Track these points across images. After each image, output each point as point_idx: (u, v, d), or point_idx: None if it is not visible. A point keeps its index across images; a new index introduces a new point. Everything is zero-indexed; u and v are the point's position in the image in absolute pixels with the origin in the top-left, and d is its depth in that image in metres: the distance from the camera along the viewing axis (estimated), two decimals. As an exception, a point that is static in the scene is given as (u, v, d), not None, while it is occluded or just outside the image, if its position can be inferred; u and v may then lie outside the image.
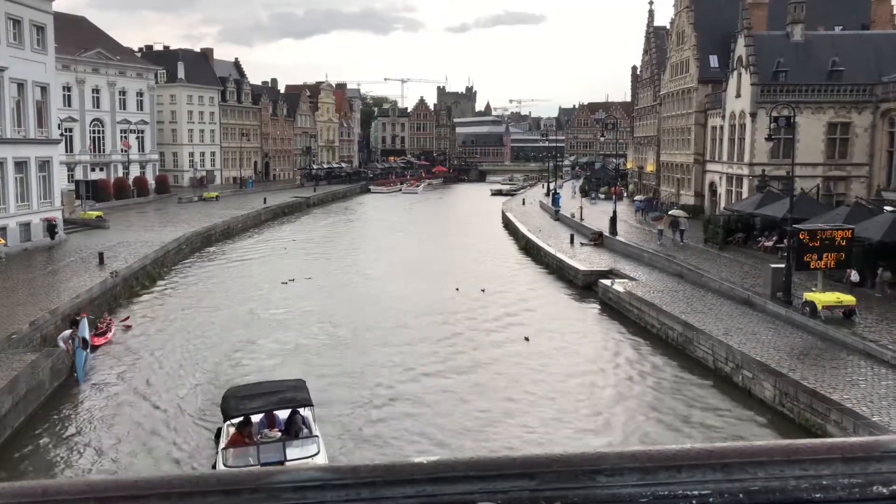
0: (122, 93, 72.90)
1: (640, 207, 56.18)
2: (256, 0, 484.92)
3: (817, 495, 0.98)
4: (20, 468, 16.31)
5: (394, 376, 22.44)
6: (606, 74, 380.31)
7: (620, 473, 0.99)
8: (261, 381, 18.92)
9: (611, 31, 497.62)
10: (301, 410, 16.14)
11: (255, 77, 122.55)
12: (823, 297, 23.98)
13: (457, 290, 34.68)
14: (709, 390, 21.21)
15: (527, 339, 26.40)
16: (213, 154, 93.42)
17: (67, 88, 65.71)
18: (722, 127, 48.35)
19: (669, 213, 45.47)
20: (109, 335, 25.74)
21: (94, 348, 24.12)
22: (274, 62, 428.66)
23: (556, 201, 62.79)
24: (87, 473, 15.89)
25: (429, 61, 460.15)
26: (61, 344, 22.01)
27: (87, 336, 23.17)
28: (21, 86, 38.51)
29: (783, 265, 26.71)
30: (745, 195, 43.50)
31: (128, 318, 29.28)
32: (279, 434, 15.51)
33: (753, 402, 19.81)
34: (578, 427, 18.85)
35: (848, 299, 23.93)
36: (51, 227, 40.35)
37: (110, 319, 27.38)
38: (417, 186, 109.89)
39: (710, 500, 0.97)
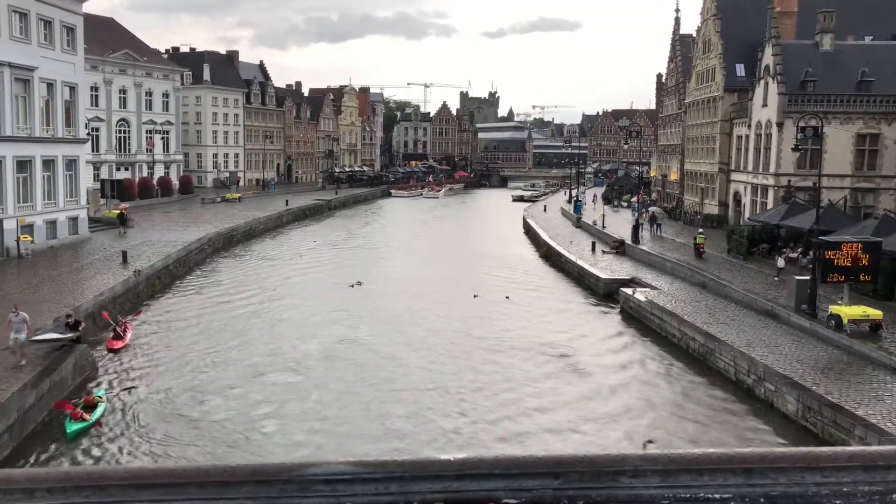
0: (149, 93, 73.78)
1: (636, 207, 56.62)
2: (291, 4, 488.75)
3: (837, 502, 0.99)
4: (42, 464, 16.45)
5: (421, 384, 22.41)
6: (631, 82, 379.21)
7: (643, 475, 1.00)
8: None
9: (637, 38, 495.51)
10: None
11: (289, 80, 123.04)
12: (849, 311, 23.61)
13: (475, 296, 34.60)
14: (730, 402, 20.94)
15: (563, 355, 25.30)
16: (236, 156, 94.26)
17: (95, 88, 66.62)
18: (748, 136, 47.90)
19: (649, 209, 50.95)
20: (127, 339, 25.40)
21: (114, 352, 24.26)
22: (309, 66, 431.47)
23: (577, 208, 62.57)
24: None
25: (456, 67, 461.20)
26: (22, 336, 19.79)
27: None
28: (50, 86, 39.09)
29: (808, 277, 26.38)
30: (770, 206, 43.04)
31: (140, 311, 29.54)
32: None
33: (775, 416, 19.53)
34: (597, 435, 18.68)
35: (875, 313, 23.54)
36: (122, 217, 45.95)
37: (126, 322, 26.78)
38: (438, 191, 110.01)
39: (731, 503, 0.98)
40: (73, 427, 17.29)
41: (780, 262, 33.60)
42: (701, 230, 43.21)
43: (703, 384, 22.55)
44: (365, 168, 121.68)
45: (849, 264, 23.93)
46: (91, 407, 18.32)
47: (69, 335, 21.89)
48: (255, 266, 43.21)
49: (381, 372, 23.13)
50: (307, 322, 29.51)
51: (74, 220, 41.77)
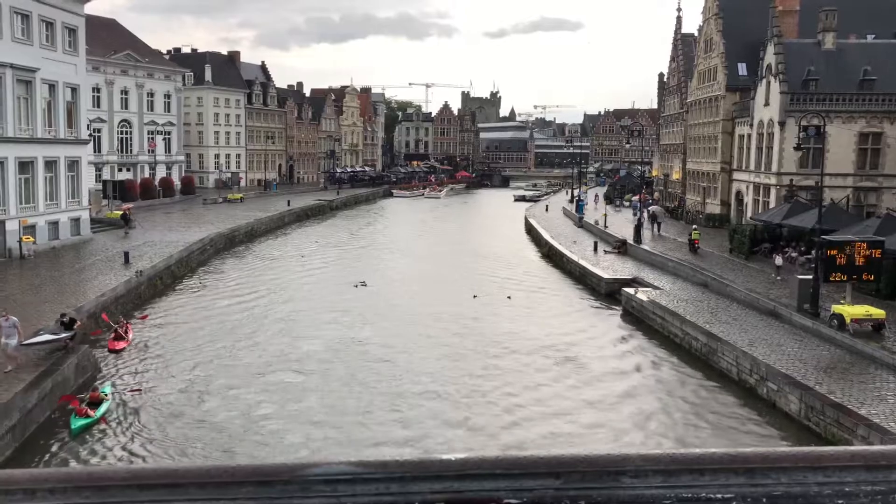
0: (150, 94, 73.85)
1: (636, 206, 56.74)
2: (292, 5, 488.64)
3: (839, 502, 0.99)
4: (45, 463, 16.47)
5: (422, 383, 22.42)
6: (633, 81, 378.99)
7: (644, 475, 1.00)
8: None
9: (638, 37, 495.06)
10: None
11: (291, 80, 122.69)
12: (852, 310, 23.57)
13: (475, 297, 34.55)
14: (732, 402, 20.92)
15: (567, 358, 25.16)
16: (238, 156, 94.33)
17: (97, 89, 66.70)
18: (749, 135, 47.85)
19: (650, 208, 51.67)
20: (128, 339, 25.45)
21: (116, 352, 24.29)
22: (310, 66, 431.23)
23: (579, 208, 62.53)
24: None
25: (458, 67, 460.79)
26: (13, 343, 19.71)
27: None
28: (52, 87, 39.13)
29: (811, 276, 26.34)
30: (772, 205, 42.99)
31: (146, 315, 29.51)
32: None
33: (778, 415, 19.51)
34: (598, 435, 18.67)
35: (877, 312, 23.50)
36: (125, 217, 47.79)
37: (127, 323, 26.82)
38: (440, 191, 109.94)
39: (733, 503, 0.99)
40: (77, 423, 17.79)
41: (779, 261, 33.75)
42: (695, 226, 43.60)
43: (705, 384, 22.52)
44: (366, 168, 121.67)
45: (851, 263, 23.89)
46: (96, 403, 18.90)
47: (64, 335, 21.79)
48: (258, 266, 43.21)
49: (383, 373, 23.12)
50: (310, 322, 29.52)
51: (76, 220, 41.83)
